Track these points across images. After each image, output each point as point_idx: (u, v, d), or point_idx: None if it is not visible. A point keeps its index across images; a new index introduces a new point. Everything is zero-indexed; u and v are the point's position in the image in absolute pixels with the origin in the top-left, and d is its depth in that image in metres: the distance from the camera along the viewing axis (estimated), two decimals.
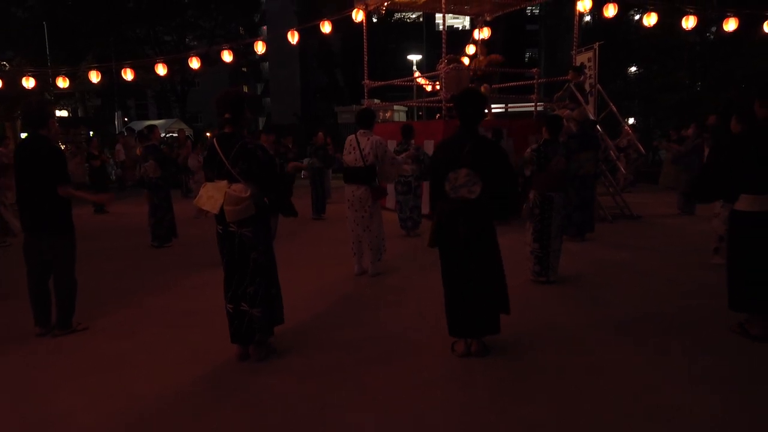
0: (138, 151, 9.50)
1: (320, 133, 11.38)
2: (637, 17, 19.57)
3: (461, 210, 3.58)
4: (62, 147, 13.88)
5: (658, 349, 3.90)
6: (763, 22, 11.55)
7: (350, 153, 5.86)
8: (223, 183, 3.61)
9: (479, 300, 3.70)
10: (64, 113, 25.01)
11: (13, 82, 14.63)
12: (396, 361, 3.77)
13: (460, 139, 3.68)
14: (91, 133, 22.41)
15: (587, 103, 9.92)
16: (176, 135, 17.86)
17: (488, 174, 3.59)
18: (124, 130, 21.98)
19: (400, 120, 19.79)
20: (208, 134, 26.91)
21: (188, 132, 25.18)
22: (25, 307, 4.42)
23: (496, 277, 3.75)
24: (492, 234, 3.73)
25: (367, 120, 5.95)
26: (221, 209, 3.58)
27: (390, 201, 9.84)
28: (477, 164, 3.57)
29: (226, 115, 3.63)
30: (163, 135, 20.31)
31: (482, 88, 11.21)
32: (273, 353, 3.88)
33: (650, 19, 11.34)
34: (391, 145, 8.19)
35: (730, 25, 11.40)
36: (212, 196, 3.63)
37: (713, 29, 17.67)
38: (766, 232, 3.83)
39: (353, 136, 5.92)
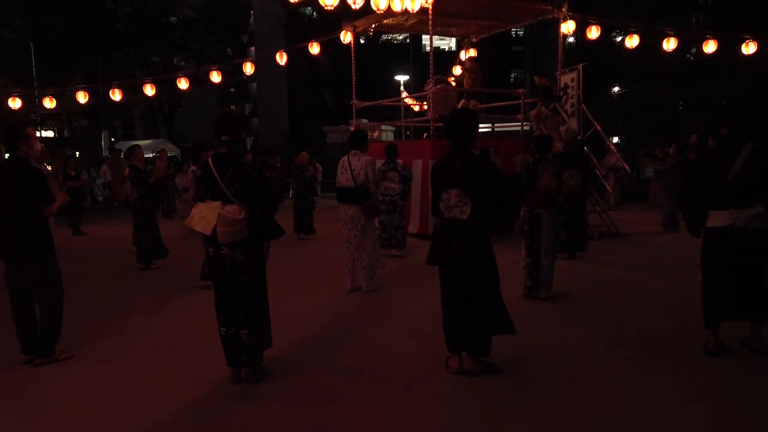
0: (126, 171, 9.47)
1: (303, 153, 11.24)
2: (619, 39, 19.99)
3: (453, 229, 3.64)
4: (48, 167, 13.78)
5: (649, 367, 3.90)
6: (741, 43, 11.86)
7: (342, 173, 5.99)
8: (217, 204, 3.56)
9: (470, 318, 3.70)
10: (50, 134, 24.84)
11: None
12: (387, 382, 3.74)
13: (451, 159, 3.72)
14: (78, 153, 22.25)
15: (563, 122, 10.07)
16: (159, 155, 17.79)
17: (480, 193, 3.61)
18: (108, 151, 21.83)
19: (388, 140, 19.92)
20: None
21: (175, 152, 25.09)
22: (12, 332, 4.32)
23: (491, 298, 3.75)
24: (486, 254, 3.72)
25: (357, 141, 6.08)
26: (214, 230, 3.54)
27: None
28: (467, 184, 3.60)
29: (223, 137, 3.62)
30: (151, 155, 20.20)
31: (470, 105, 11.36)
32: (264, 376, 3.81)
33: (632, 41, 11.60)
34: (378, 164, 8.19)
35: (710, 47, 11.69)
36: (205, 216, 3.58)
37: (693, 50, 18.08)
38: (725, 246, 3.89)
39: (346, 156, 6.03)
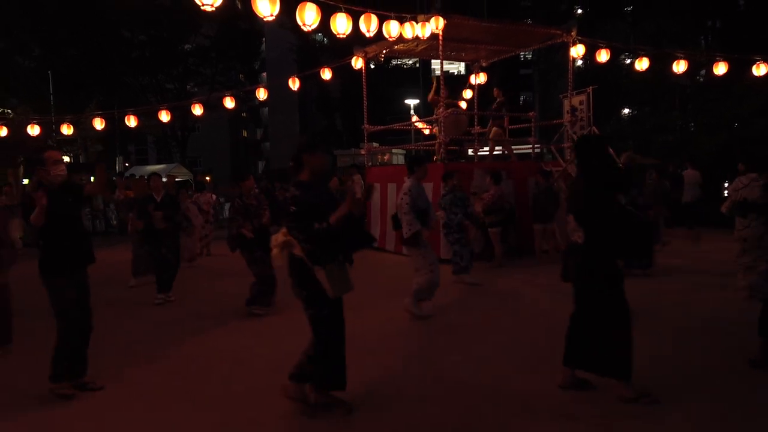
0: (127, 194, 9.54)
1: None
2: (628, 61, 20.09)
3: (573, 252, 3.76)
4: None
5: (686, 404, 3.76)
6: (751, 65, 11.88)
7: None
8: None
9: (587, 338, 3.70)
10: (65, 159, 25.27)
11: (17, 130, 14.85)
12: (396, 407, 3.70)
13: (575, 184, 3.82)
14: (92, 178, 22.55)
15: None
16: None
17: (593, 222, 3.61)
18: (119, 174, 22.08)
19: (399, 163, 20.02)
20: (207, 178, 27.08)
21: (188, 176, 25.30)
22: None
23: (604, 325, 3.66)
24: (603, 281, 3.64)
25: (409, 165, 6.08)
26: None
27: (444, 250, 8.64)
28: (581, 212, 3.68)
29: (291, 163, 3.68)
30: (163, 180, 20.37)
31: (493, 131, 11.51)
32: (328, 410, 3.58)
33: (642, 64, 11.66)
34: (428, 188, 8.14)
35: (720, 68, 11.72)
36: None
37: (702, 72, 18.12)
38: None
39: None
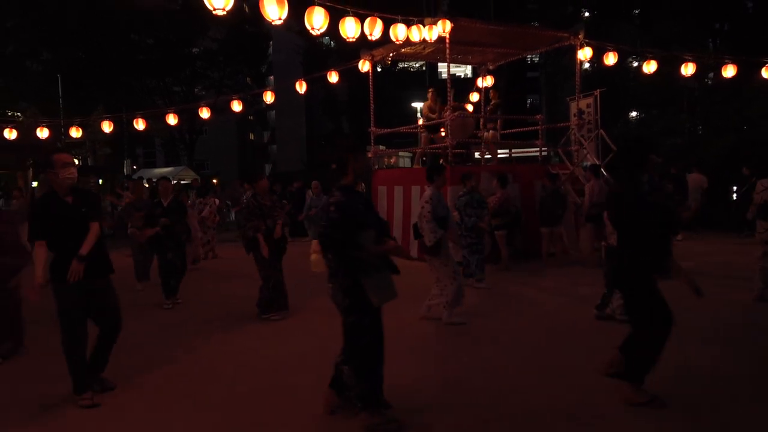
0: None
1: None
2: (635, 64, 20.00)
3: (611, 255, 3.79)
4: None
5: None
6: (760, 68, 11.80)
7: None
8: None
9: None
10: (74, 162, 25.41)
11: (27, 133, 14.97)
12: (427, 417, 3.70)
13: (613, 188, 3.86)
14: (101, 181, 22.70)
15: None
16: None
17: (624, 227, 3.61)
18: (125, 178, 22.16)
19: (405, 166, 20.03)
20: (214, 181, 27.18)
21: (196, 179, 25.30)
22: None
23: (634, 331, 3.66)
24: (635, 287, 3.62)
25: (428, 174, 5.98)
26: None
27: (455, 250, 8.57)
28: (613, 215, 3.71)
29: (332, 166, 3.54)
30: (174, 182, 20.47)
31: (489, 134, 11.47)
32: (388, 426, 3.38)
33: (650, 67, 11.61)
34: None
35: (729, 71, 11.64)
36: None
37: (710, 75, 18.01)
38: None
39: None
